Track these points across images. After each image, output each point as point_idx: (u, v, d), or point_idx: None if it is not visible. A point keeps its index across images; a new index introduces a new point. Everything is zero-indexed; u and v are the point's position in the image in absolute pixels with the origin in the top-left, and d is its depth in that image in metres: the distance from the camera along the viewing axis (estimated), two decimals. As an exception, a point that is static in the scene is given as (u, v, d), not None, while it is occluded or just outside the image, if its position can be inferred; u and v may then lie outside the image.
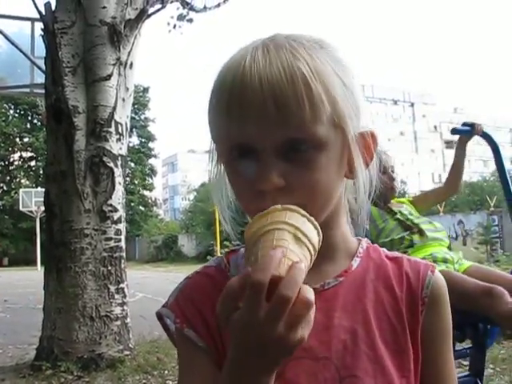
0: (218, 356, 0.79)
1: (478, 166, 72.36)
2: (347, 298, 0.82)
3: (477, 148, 77.78)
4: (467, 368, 3.10)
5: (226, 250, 0.95)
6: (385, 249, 0.91)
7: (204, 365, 0.80)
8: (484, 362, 2.82)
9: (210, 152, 0.87)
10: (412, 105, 78.30)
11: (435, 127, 78.70)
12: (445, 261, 2.77)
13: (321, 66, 0.76)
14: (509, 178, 3.09)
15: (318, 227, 0.72)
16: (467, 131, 3.09)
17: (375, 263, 0.87)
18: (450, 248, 3.00)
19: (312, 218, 0.72)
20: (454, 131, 3.14)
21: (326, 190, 0.77)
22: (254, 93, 0.73)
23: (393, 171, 3.07)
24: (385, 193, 2.98)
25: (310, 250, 0.69)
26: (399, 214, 3.03)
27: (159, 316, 0.87)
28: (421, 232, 2.93)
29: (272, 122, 0.73)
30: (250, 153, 0.76)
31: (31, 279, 17.61)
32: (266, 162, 0.74)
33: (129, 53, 5.72)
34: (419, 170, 73.74)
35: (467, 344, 2.79)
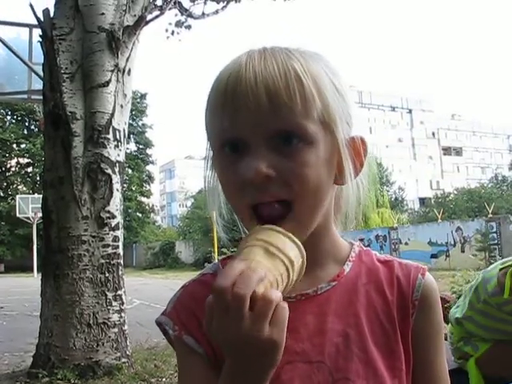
0: (216, 361, 0.81)
1: (477, 172, 72.57)
2: (340, 302, 0.84)
3: (475, 155, 78.11)
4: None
5: (223, 256, 0.96)
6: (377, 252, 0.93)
7: (202, 370, 0.81)
8: None
9: (206, 158, 0.89)
10: (410, 111, 78.48)
11: (433, 134, 78.90)
12: None
13: (314, 67, 0.79)
14: None
15: (298, 243, 0.72)
16: None
17: (367, 267, 0.88)
18: None
19: (290, 235, 0.72)
20: None
21: (316, 189, 0.78)
22: (247, 85, 0.76)
23: None
24: None
25: (284, 262, 0.69)
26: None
27: (158, 323, 0.88)
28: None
29: (264, 113, 0.75)
30: (241, 148, 0.78)
31: (27, 286, 17.59)
32: (256, 153, 0.76)
33: (127, 59, 5.72)
34: (417, 177, 73.87)
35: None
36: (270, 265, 0.68)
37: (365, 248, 0.92)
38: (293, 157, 0.76)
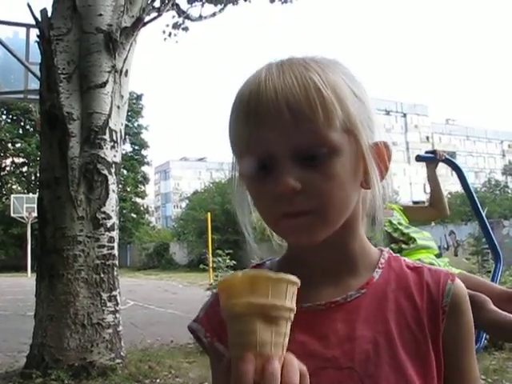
0: None
1: (470, 177, 72.78)
2: (369, 309, 0.84)
3: (469, 159, 78.35)
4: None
5: (253, 263, 0.95)
6: (406, 258, 0.92)
7: None
8: None
9: (232, 169, 0.89)
10: (404, 115, 78.66)
11: (427, 138, 79.09)
12: None
13: (332, 77, 0.79)
14: (476, 199, 3.25)
15: (290, 277, 0.69)
16: (430, 158, 3.22)
17: (396, 273, 0.88)
18: (437, 256, 3.07)
19: (280, 275, 0.68)
20: (418, 158, 3.29)
21: (342, 198, 0.79)
22: (268, 101, 0.76)
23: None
24: None
25: (284, 317, 0.68)
26: (388, 225, 3.06)
27: (191, 330, 0.89)
28: (408, 242, 3.01)
29: (287, 128, 0.76)
30: (269, 164, 0.78)
31: (21, 286, 17.52)
32: (283, 167, 0.77)
33: (124, 60, 5.73)
34: (411, 181, 73.99)
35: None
36: (273, 335, 0.67)
37: (394, 254, 0.92)
38: (319, 169, 0.77)
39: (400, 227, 3.07)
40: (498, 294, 2.63)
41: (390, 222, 3.08)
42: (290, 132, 0.76)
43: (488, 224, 3.33)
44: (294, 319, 0.69)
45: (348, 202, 0.81)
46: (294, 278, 0.69)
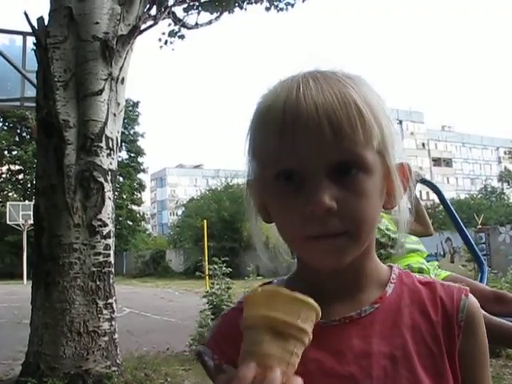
0: None
1: (466, 183, 73.01)
2: (384, 324, 0.83)
3: (465, 166, 78.58)
4: None
5: (264, 282, 0.94)
6: (416, 274, 0.92)
7: None
8: None
9: (249, 184, 0.88)
10: (400, 122, 78.88)
11: (423, 144, 79.33)
12: (420, 271, 2.93)
13: (368, 95, 0.80)
14: (456, 214, 3.37)
15: (306, 299, 0.69)
16: None
17: (409, 289, 0.88)
18: (428, 261, 3.15)
19: (295, 294, 0.69)
20: None
21: (371, 218, 0.79)
22: (309, 115, 0.75)
23: None
24: None
25: (295, 336, 0.68)
26: (376, 231, 3.10)
27: (199, 354, 0.88)
28: (395, 246, 3.06)
29: (327, 144, 0.75)
30: (297, 178, 0.77)
31: (17, 293, 17.43)
32: (319, 184, 0.76)
33: (120, 68, 5.75)
34: (407, 187, 74.02)
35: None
36: (280, 350, 0.66)
37: (404, 270, 0.92)
38: (353, 187, 0.77)
39: (388, 233, 3.11)
40: (486, 294, 2.73)
41: (378, 228, 3.12)
42: (329, 148, 0.75)
43: (469, 234, 3.50)
44: None
45: (375, 223, 0.81)
46: (311, 301, 0.69)
